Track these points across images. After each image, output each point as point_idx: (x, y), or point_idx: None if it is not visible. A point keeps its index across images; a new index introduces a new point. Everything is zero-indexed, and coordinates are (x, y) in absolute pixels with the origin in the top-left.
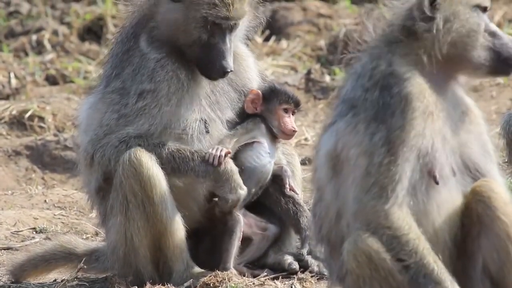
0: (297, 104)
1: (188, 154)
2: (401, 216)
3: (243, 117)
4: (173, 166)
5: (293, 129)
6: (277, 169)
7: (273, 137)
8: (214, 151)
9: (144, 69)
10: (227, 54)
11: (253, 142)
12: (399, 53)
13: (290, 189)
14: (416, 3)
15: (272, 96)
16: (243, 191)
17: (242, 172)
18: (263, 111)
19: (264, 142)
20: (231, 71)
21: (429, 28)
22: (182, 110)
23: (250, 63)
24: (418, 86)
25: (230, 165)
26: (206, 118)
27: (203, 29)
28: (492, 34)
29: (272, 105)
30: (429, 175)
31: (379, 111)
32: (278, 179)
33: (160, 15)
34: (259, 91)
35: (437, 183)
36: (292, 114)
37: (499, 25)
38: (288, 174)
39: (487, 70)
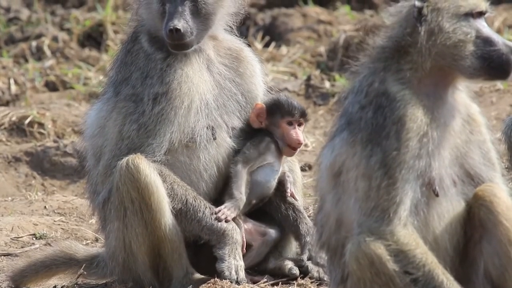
0: (302, 115)
1: (202, 205)
2: (407, 234)
3: (249, 129)
4: (182, 208)
5: (299, 141)
6: (279, 175)
7: (281, 154)
8: (225, 211)
9: (152, 71)
10: (174, 16)
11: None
12: (392, 70)
13: (290, 195)
14: (405, 17)
15: (275, 110)
16: (241, 262)
17: (246, 183)
18: (267, 125)
19: (274, 162)
20: (175, 29)
21: (414, 42)
22: (192, 113)
23: (257, 69)
24: (410, 107)
25: (236, 234)
26: (213, 125)
27: (158, 1)
28: (484, 41)
29: (276, 119)
30: (428, 188)
31: (373, 133)
32: (279, 185)
33: (143, 14)
34: (263, 105)
35: (437, 195)
36: (299, 126)
37: (498, 31)
38: (290, 180)
39: (482, 77)
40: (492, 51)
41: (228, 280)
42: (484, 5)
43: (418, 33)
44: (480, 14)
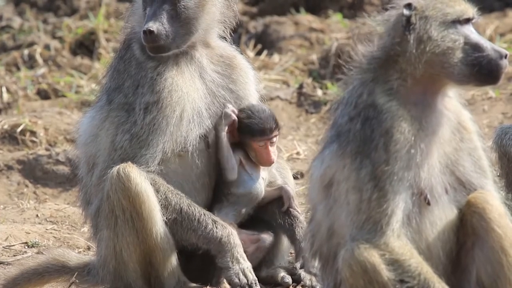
0: (273, 131)
1: (197, 213)
2: (401, 245)
3: None
4: (177, 217)
5: (270, 162)
6: (277, 191)
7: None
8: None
9: (143, 79)
10: (151, 19)
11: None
12: (381, 81)
13: (289, 208)
14: (393, 26)
15: (246, 131)
16: (246, 263)
17: (230, 195)
18: (240, 141)
19: (246, 165)
20: (149, 31)
21: (403, 51)
22: (185, 122)
23: (250, 76)
24: (397, 119)
25: (234, 238)
26: (206, 134)
27: (142, 4)
28: (473, 47)
29: (247, 139)
30: (420, 197)
31: (362, 145)
32: (279, 198)
33: (133, 21)
34: (235, 120)
35: (428, 203)
36: (271, 144)
37: (490, 39)
38: (289, 195)
39: (472, 83)
40: (481, 57)
41: (239, 287)
42: (471, 12)
43: (407, 42)
44: (468, 20)
